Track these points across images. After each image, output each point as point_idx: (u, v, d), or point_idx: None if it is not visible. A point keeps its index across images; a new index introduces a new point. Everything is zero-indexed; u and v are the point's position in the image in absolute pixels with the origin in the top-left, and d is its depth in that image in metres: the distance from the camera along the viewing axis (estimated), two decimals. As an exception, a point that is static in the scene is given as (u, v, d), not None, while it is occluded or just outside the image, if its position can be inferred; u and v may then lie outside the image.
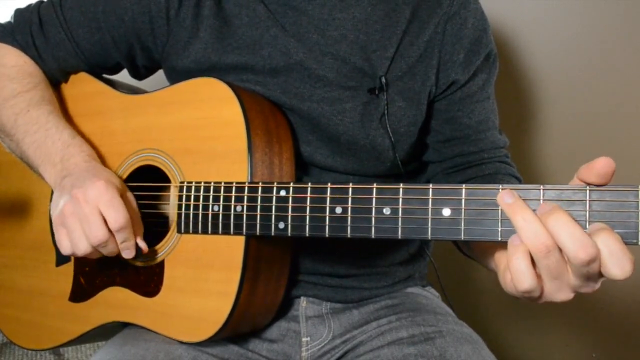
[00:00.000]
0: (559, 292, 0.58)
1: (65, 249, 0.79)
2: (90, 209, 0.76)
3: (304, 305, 0.91)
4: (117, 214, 0.76)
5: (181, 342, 0.81)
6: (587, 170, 0.56)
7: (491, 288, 1.43)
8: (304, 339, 0.90)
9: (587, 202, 0.57)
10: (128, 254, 0.80)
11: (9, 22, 0.96)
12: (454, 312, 0.94)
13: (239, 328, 0.82)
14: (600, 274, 0.55)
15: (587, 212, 0.57)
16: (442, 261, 1.06)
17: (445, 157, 0.93)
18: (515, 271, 0.58)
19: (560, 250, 0.56)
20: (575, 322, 1.46)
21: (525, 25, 1.34)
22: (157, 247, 0.83)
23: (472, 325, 0.88)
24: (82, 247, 0.77)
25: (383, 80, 0.85)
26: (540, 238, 0.55)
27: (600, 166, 0.55)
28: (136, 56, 0.93)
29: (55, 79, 0.97)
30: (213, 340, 0.79)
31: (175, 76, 0.91)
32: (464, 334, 0.83)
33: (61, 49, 0.93)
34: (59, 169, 0.83)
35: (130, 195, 0.83)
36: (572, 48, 1.33)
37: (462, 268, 1.38)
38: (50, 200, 0.93)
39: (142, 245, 0.80)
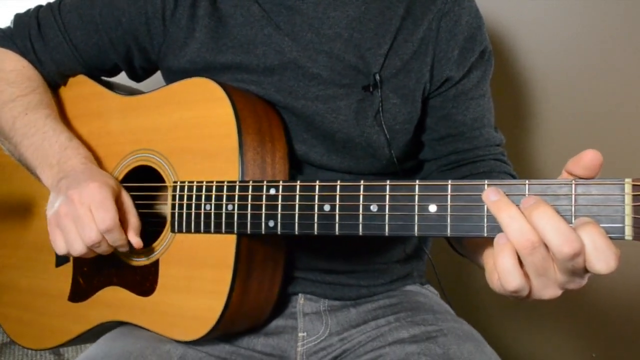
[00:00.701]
0: (546, 289, 0.58)
1: (60, 249, 0.80)
2: (84, 210, 0.77)
3: (301, 302, 0.91)
4: (105, 215, 0.77)
5: (176, 341, 0.82)
6: (574, 163, 0.56)
7: (490, 287, 1.42)
8: (300, 334, 0.90)
9: (573, 196, 0.56)
10: (121, 250, 0.81)
11: (8, 27, 0.97)
12: (453, 310, 0.93)
13: (233, 327, 0.82)
14: (585, 269, 0.54)
15: (573, 207, 0.56)
16: (441, 260, 1.05)
17: (440, 154, 0.92)
18: (502, 270, 0.57)
19: (546, 246, 0.55)
20: (575, 322, 1.44)
21: (521, 22, 1.33)
22: (152, 246, 0.84)
23: (471, 324, 0.87)
24: (77, 248, 0.78)
25: (377, 77, 0.85)
26: (526, 234, 0.55)
27: (587, 159, 0.55)
28: (134, 58, 0.94)
29: (54, 82, 0.98)
30: (207, 339, 0.80)
31: (172, 76, 0.92)
32: (465, 331, 0.83)
33: (59, 52, 0.94)
34: (56, 171, 0.84)
35: (125, 196, 0.83)
36: (569, 46, 1.32)
37: (461, 267, 1.37)
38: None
39: (134, 241, 0.81)
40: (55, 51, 0.94)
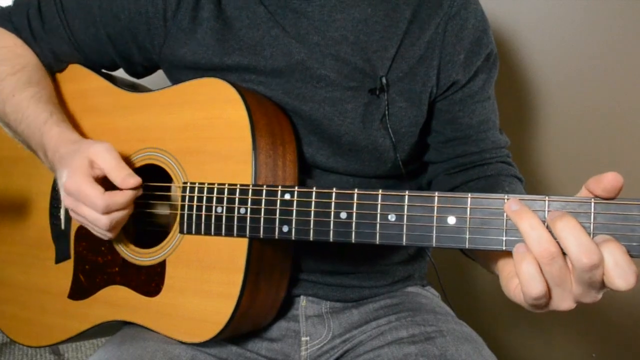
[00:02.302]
0: (563, 300, 0.59)
1: (96, 232, 0.82)
2: (78, 206, 0.79)
3: (303, 304, 0.92)
4: (92, 202, 0.77)
5: (181, 342, 0.82)
6: (595, 183, 0.57)
7: (491, 288, 1.44)
8: (303, 339, 0.90)
9: (592, 214, 0.57)
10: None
11: (8, 6, 0.96)
12: (454, 312, 0.95)
13: (240, 329, 0.82)
14: (602, 284, 0.56)
15: (592, 224, 0.57)
16: (442, 261, 1.06)
17: (447, 157, 0.93)
18: (525, 277, 0.57)
19: (564, 256, 0.56)
20: (575, 322, 1.47)
21: (525, 25, 1.34)
22: (159, 246, 0.83)
23: (472, 325, 0.89)
24: (100, 232, 0.80)
25: (384, 80, 0.85)
26: (545, 244, 0.56)
27: (607, 181, 0.55)
28: (133, 55, 0.93)
29: (49, 65, 0.96)
30: (214, 341, 0.79)
31: (177, 76, 0.91)
32: (464, 333, 0.84)
33: (56, 34, 0.93)
34: (47, 163, 0.86)
35: (100, 158, 0.79)
36: (573, 48, 1.33)
37: (462, 268, 1.39)
38: (50, 205, 0.94)
39: (132, 184, 0.78)
40: (51, 33, 0.93)
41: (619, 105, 1.34)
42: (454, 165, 0.93)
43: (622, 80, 1.33)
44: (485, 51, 0.90)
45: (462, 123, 0.91)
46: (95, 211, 0.77)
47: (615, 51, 1.32)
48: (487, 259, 0.75)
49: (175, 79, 0.91)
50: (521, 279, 0.58)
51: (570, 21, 1.33)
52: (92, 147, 0.80)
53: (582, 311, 1.42)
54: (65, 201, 0.80)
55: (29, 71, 0.90)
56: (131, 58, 0.93)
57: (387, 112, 0.86)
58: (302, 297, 0.92)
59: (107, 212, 0.77)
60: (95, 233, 0.81)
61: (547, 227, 0.57)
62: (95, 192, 0.76)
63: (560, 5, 1.32)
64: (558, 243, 0.56)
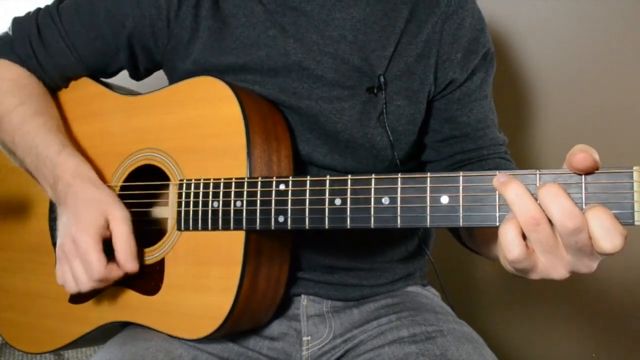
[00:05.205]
0: (554, 267, 0.59)
1: (70, 287, 0.81)
2: (76, 262, 0.80)
3: (304, 303, 0.91)
4: (90, 269, 0.78)
5: (182, 340, 0.82)
6: (568, 164, 0.57)
7: (491, 288, 1.43)
8: (304, 338, 0.90)
9: (583, 184, 0.57)
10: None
11: (6, 34, 0.96)
12: (454, 311, 0.94)
13: (240, 324, 0.82)
14: (592, 249, 0.55)
15: (584, 194, 0.57)
16: (442, 261, 1.06)
17: (445, 155, 0.93)
18: (503, 241, 0.58)
19: (552, 224, 0.56)
20: (575, 321, 1.45)
21: (522, 24, 1.35)
22: (157, 245, 0.84)
23: (472, 324, 0.88)
24: (79, 287, 0.81)
25: (382, 79, 0.86)
26: (530, 211, 0.56)
27: (577, 162, 0.55)
28: (138, 59, 0.94)
29: (57, 86, 0.97)
30: (214, 337, 0.79)
31: (176, 76, 0.92)
32: (465, 333, 0.84)
33: (62, 57, 0.93)
34: (52, 195, 0.86)
35: (117, 223, 0.80)
36: (570, 47, 1.34)
37: (462, 268, 1.38)
38: (50, 210, 0.95)
39: (130, 269, 0.80)
40: (56, 57, 0.93)
41: (616, 103, 1.34)
42: (452, 163, 0.93)
43: (619, 78, 1.33)
44: (483, 50, 0.91)
45: (460, 122, 0.91)
46: (87, 276, 0.79)
47: (614, 51, 1.32)
48: (487, 242, 0.75)
49: (175, 79, 0.91)
50: (501, 244, 0.58)
51: (567, 19, 1.34)
52: (113, 208, 0.80)
53: (582, 310, 1.43)
54: (64, 245, 0.80)
55: (35, 101, 0.91)
56: (136, 62, 0.95)
57: (384, 110, 0.86)
58: (302, 296, 0.92)
59: (99, 282, 0.79)
60: (61, 280, 0.82)
61: (536, 200, 0.57)
62: (99, 264, 0.78)
63: (558, 5, 1.33)
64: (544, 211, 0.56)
